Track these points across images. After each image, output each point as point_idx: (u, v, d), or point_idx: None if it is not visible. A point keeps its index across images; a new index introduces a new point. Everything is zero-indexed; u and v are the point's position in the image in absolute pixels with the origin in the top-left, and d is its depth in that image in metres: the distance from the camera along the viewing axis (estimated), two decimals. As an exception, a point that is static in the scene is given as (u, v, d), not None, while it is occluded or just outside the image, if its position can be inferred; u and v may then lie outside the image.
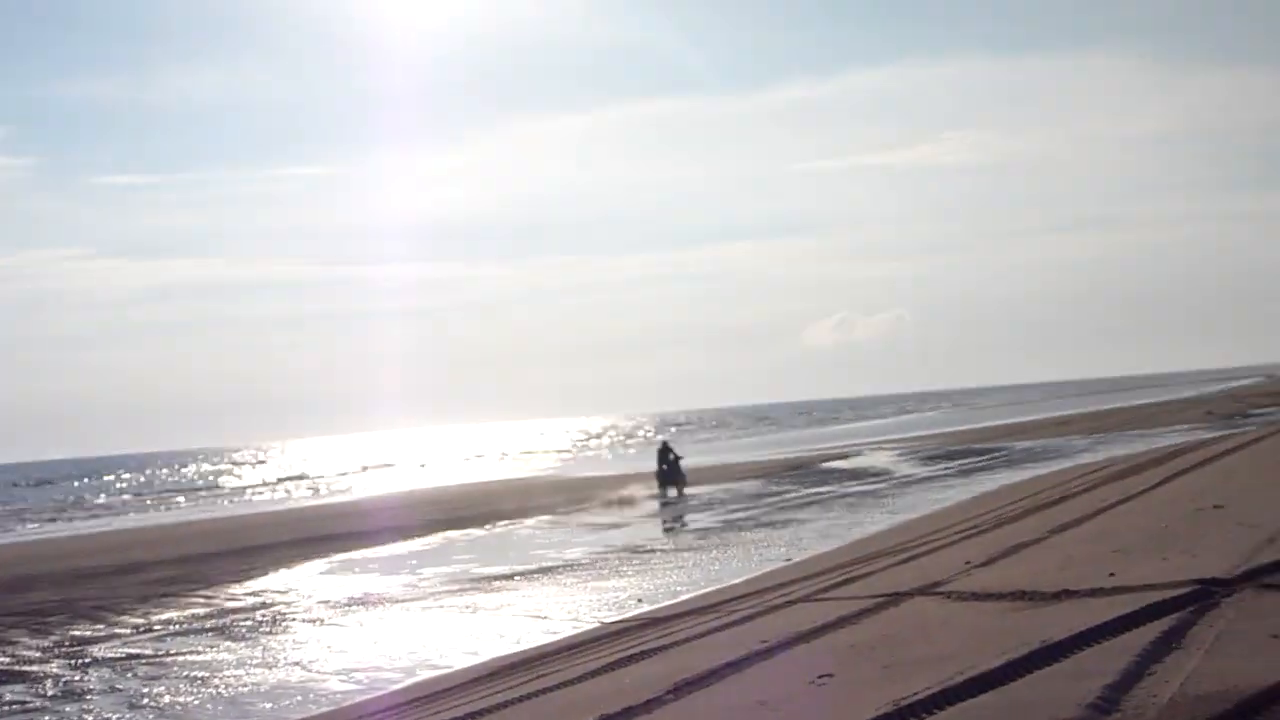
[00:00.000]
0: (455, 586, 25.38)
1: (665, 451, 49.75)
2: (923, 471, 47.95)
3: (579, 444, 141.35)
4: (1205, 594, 12.50)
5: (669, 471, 48.81)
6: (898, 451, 63.14)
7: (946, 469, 48.00)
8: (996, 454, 54.12)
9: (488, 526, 39.06)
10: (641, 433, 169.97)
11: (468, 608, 22.56)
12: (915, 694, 9.70)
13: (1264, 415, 68.37)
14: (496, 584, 25.20)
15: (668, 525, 35.78)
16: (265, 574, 31.04)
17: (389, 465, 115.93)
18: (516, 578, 25.85)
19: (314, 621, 22.73)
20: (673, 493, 46.93)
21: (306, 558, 33.90)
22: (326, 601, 25.09)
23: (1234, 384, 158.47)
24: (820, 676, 11.06)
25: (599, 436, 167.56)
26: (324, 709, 15.75)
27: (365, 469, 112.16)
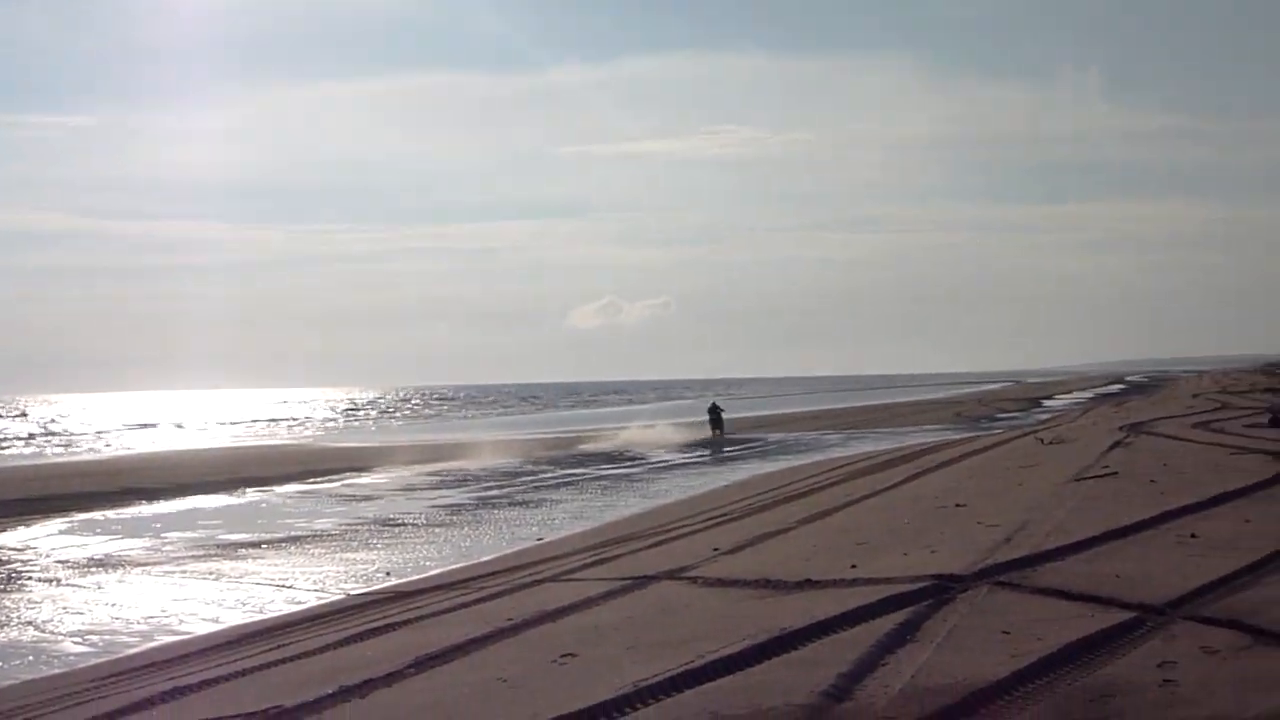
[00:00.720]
0: (200, 552, 24.84)
1: (715, 409, 67.33)
2: (678, 457, 48.44)
3: (342, 413, 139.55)
4: (942, 589, 12.83)
5: (715, 420, 66.07)
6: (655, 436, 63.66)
7: (701, 457, 48.58)
8: (750, 444, 54.95)
9: (238, 493, 38.33)
10: (408, 408, 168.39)
11: (211, 574, 22.10)
12: (655, 676, 9.77)
13: (1009, 419, 70.72)
14: (242, 551, 24.74)
15: (421, 501, 35.50)
16: (1, 531, 29.96)
17: (150, 426, 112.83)
18: (263, 546, 25.42)
19: (50, 581, 22.04)
20: (717, 432, 64.43)
21: (47, 516, 32.83)
22: (65, 561, 24.35)
23: (984, 388, 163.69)
24: (563, 656, 11.07)
25: (359, 409, 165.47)
26: (56, 670, 15.28)
27: (125, 428, 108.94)
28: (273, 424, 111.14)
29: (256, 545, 25.52)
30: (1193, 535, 16.22)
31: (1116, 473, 25.51)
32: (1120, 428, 42.28)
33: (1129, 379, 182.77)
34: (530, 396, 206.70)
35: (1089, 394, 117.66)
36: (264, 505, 34.64)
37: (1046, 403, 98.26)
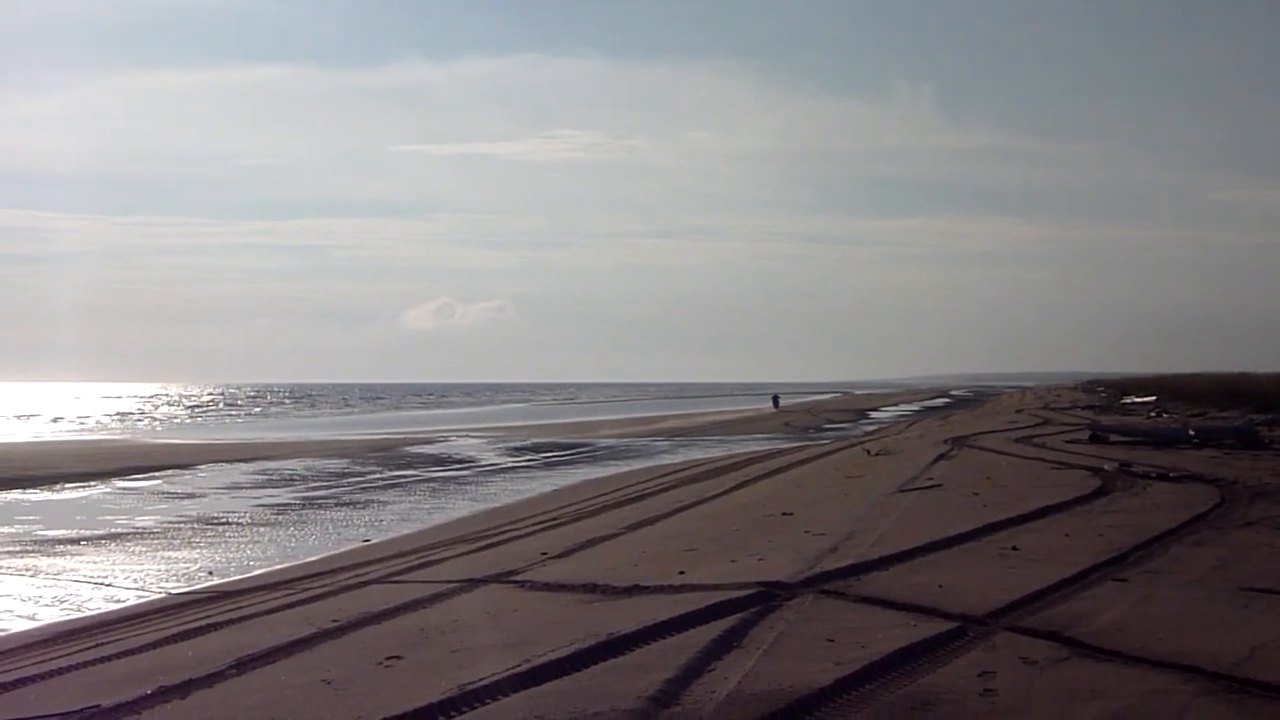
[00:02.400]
0: (15, 548, 24.13)
1: (776, 398, 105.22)
2: (508, 461, 48.29)
3: (168, 409, 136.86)
4: (768, 596, 12.94)
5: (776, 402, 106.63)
6: (485, 439, 63.39)
7: (531, 461, 48.47)
8: (581, 449, 54.97)
9: (56, 488, 37.36)
10: (237, 405, 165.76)
11: (28, 570, 21.48)
12: (481, 679, 9.73)
13: (837, 430, 71.60)
14: (60, 548, 24.08)
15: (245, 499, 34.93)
16: None
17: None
18: (83, 542, 24.77)
19: None
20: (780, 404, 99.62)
21: None
22: None
23: (813, 398, 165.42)
24: (389, 658, 10.97)
25: (186, 405, 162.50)
26: None
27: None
28: (97, 419, 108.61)
29: (75, 542, 24.87)
30: (1014, 548, 16.55)
31: (940, 485, 25.96)
32: (945, 441, 43.03)
33: (954, 393, 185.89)
34: (356, 396, 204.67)
35: (915, 407, 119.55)
36: (84, 501, 33.78)
37: (873, 414, 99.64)
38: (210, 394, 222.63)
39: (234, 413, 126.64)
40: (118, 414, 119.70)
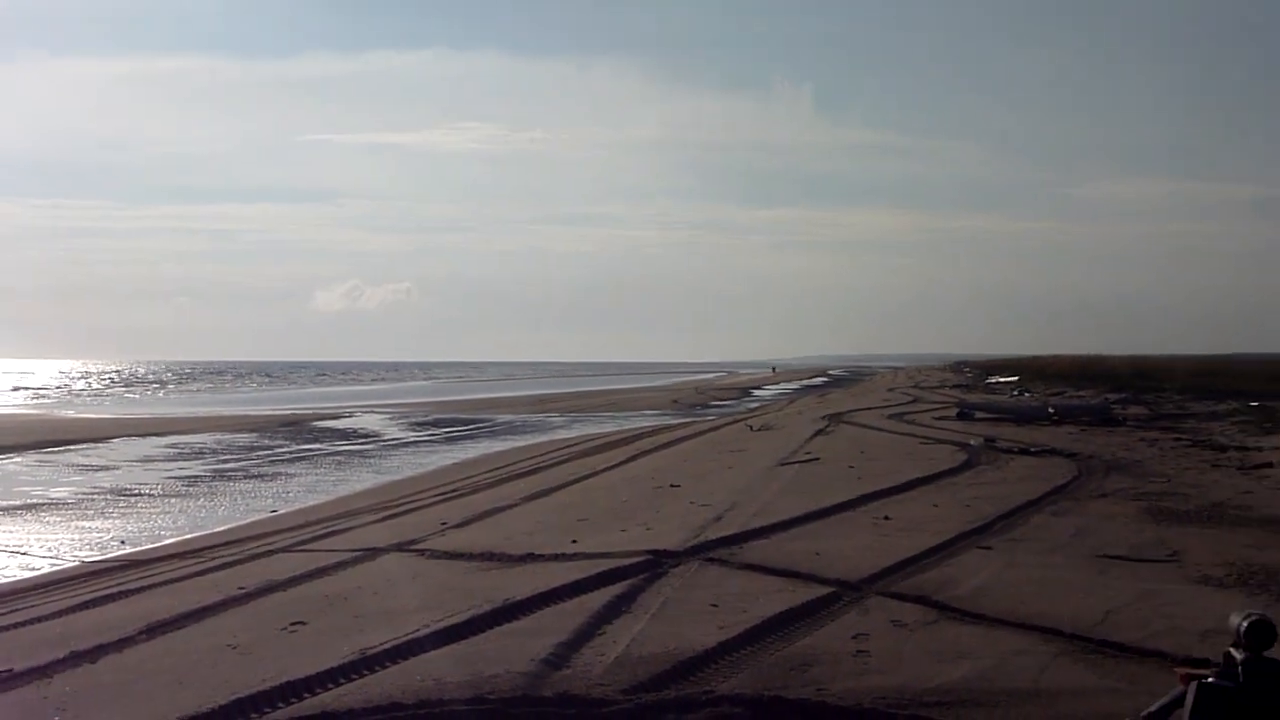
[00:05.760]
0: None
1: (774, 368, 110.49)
2: (411, 435, 47.95)
3: (79, 385, 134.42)
4: (656, 564, 12.94)
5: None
6: (389, 415, 62.88)
7: (433, 435, 48.17)
8: (480, 425, 54.70)
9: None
10: (148, 382, 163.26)
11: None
12: (382, 643, 9.63)
13: (722, 407, 71.80)
14: (-27, 518, 23.56)
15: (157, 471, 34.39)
16: None
17: None
18: (-5, 513, 24.27)
19: None
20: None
21: None
22: None
23: (700, 377, 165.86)
24: (293, 624, 10.84)
25: (98, 381, 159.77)
26: None
27: None
28: (11, 393, 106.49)
29: (-12, 512, 24.35)
30: (886, 517, 16.70)
31: (818, 459, 26.14)
32: (822, 417, 43.38)
33: (831, 372, 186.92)
34: (265, 374, 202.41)
35: (795, 385, 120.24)
36: (0, 474, 33.12)
37: (756, 392, 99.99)
38: (125, 370, 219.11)
39: (148, 389, 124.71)
40: (34, 390, 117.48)
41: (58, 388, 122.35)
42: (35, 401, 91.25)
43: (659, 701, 8.10)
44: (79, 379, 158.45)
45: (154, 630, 10.98)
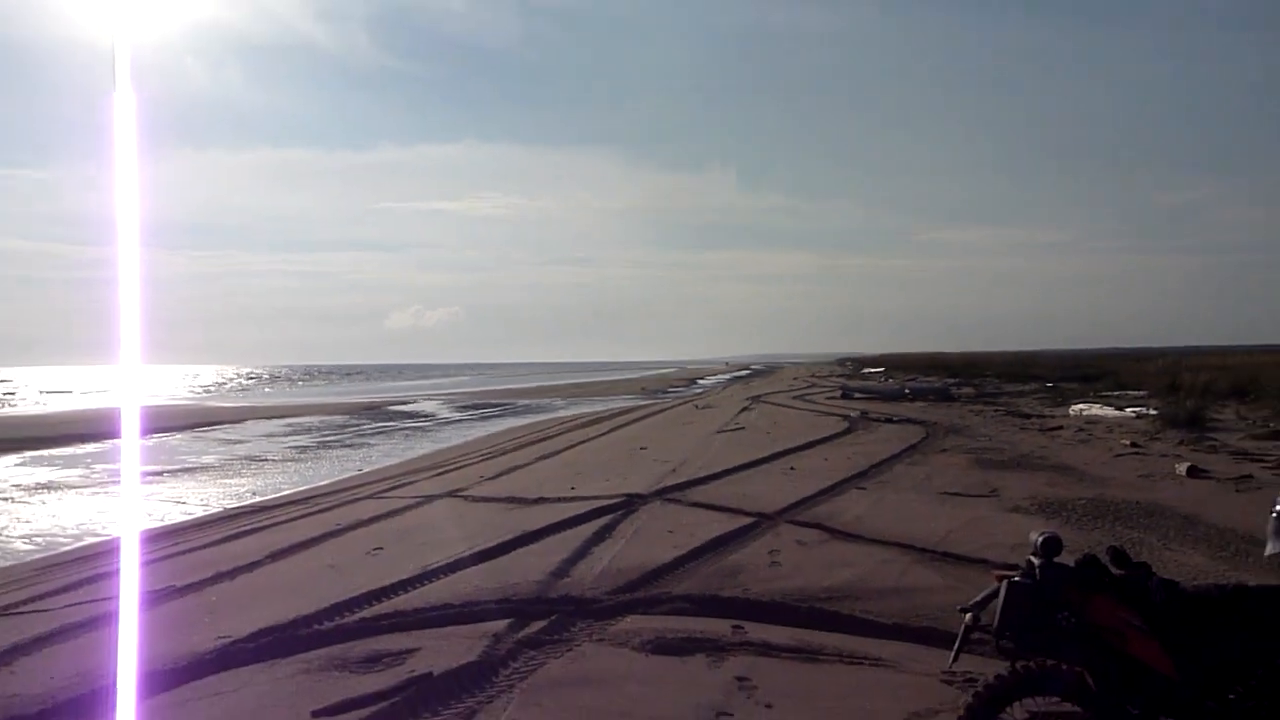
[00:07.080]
0: (113, 480, 23.39)
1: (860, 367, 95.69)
2: (456, 415, 47.76)
3: (224, 382, 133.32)
4: (629, 504, 12.94)
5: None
6: (442, 401, 62.60)
7: (472, 415, 47.99)
8: (505, 406, 54.52)
9: (148, 438, 36.22)
10: (273, 380, 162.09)
11: (126, 494, 20.82)
12: (438, 561, 9.62)
13: (676, 392, 71.71)
14: (150, 478, 23.37)
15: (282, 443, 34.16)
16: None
17: (66, 391, 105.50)
18: (164, 475, 24.08)
19: (5, 499, 20.45)
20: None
21: (3, 453, 30.51)
22: (19, 485, 22.64)
23: (659, 371, 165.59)
24: (374, 549, 10.81)
25: (236, 379, 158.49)
26: (7, 563, 14.19)
27: (46, 392, 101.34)
28: (176, 389, 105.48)
29: (159, 474, 24.17)
30: (792, 468, 16.73)
31: (744, 428, 26.17)
32: (747, 399, 43.41)
33: (753, 367, 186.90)
34: (351, 373, 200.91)
35: (727, 376, 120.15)
36: (167, 446, 32.84)
37: (700, 382, 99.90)
38: (258, 371, 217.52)
39: (275, 384, 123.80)
40: (191, 385, 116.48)
41: (214, 384, 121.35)
42: (194, 395, 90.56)
43: (632, 600, 8.11)
44: (228, 380, 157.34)
45: (276, 556, 10.94)
